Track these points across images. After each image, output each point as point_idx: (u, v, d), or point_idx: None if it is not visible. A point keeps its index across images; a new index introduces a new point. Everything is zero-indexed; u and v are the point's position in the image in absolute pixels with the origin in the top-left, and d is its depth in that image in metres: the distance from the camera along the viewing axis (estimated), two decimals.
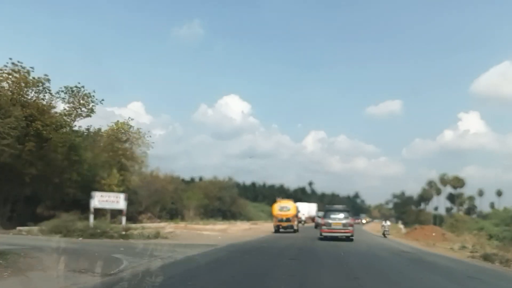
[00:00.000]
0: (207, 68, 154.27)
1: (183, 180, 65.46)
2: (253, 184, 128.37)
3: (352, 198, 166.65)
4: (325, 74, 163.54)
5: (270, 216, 79.46)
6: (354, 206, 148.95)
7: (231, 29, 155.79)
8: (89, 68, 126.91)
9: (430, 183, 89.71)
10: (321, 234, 23.69)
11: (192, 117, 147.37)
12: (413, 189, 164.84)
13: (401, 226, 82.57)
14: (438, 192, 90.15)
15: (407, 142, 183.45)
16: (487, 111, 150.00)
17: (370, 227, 58.66)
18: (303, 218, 60.43)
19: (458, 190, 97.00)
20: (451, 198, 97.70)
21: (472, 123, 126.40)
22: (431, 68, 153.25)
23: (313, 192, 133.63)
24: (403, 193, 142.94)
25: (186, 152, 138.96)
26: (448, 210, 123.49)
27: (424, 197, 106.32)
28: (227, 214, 60.63)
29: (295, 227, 29.83)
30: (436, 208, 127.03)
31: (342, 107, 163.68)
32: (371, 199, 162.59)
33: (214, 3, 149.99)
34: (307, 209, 58.41)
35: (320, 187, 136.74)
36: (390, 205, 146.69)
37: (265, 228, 34.42)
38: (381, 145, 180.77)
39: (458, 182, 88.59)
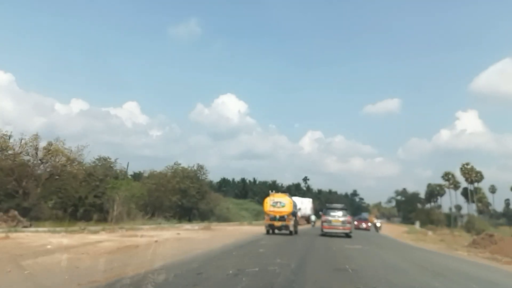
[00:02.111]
0: (204, 67, 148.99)
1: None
2: (243, 180, 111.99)
3: (351, 196, 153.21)
4: (323, 73, 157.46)
5: (256, 215, 62.63)
6: (353, 205, 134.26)
7: (228, 28, 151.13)
8: (83, 67, 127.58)
9: (447, 175, 72.77)
10: (322, 230, 25.10)
11: (188, 117, 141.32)
12: (410, 189, 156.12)
13: (417, 226, 66.12)
14: (456, 186, 73.29)
15: (404, 142, 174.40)
16: (485, 110, 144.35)
17: (399, 235, 36.27)
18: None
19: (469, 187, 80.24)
20: (466, 193, 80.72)
21: (469, 122, 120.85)
22: (430, 66, 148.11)
23: (309, 188, 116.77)
24: (405, 190, 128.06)
25: (183, 153, 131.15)
26: (458, 208, 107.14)
27: (435, 193, 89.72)
28: (195, 213, 43.82)
29: (291, 228, 23.65)
30: (439, 207, 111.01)
31: (340, 107, 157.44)
32: (367, 198, 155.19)
33: (211, 2, 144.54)
34: (299, 206, 42.02)
35: (317, 187, 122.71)
36: (393, 203, 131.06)
37: (217, 238, 17.55)
38: (378, 145, 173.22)
39: (476, 175, 71.82)
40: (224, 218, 47.84)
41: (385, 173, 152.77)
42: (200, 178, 46.33)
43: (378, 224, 40.45)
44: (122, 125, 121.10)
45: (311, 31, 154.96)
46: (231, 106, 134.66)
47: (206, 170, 46.64)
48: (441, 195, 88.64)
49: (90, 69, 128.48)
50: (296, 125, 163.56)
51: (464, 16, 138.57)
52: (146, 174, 40.59)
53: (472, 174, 67.08)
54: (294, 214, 24.39)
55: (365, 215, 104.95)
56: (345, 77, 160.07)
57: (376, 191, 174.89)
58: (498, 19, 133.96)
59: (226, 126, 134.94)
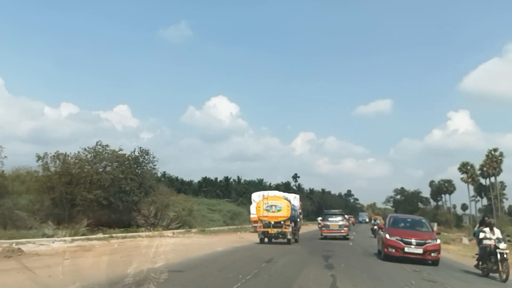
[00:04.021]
0: (195, 69, 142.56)
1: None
2: (226, 179, 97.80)
3: (345, 197, 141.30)
4: (315, 75, 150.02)
5: (231, 218, 48.16)
6: (348, 205, 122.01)
7: (219, 30, 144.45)
8: (73, 71, 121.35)
9: (465, 167, 58.53)
10: (321, 234, 25.96)
11: (180, 119, 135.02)
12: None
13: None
14: (475, 179, 59.49)
15: (396, 142, 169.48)
16: (476, 110, 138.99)
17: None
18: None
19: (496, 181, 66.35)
20: (479, 189, 67.03)
21: (461, 122, 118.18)
22: (421, 66, 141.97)
23: (300, 187, 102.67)
24: (403, 189, 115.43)
25: (175, 155, 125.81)
26: (464, 207, 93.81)
27: (443, 190, 76.28)
28: (134, 216, 29.55)
29: (289, 236, 19.65)
30: (438, 206, 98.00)
31: (332, 108, 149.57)
32: (360, 199, 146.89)
33: (201, 4, 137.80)
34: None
35: (308, 187, 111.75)
36: (391, 203, 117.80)
37: None
38: (370, 145, 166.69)
39: (495, 168, 58.08)
40: (182, 223, 33.55)
41: (377, 174, 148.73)
42: (145, 167, 32.14)
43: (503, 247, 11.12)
44: (112, 128, 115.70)
45: (303, 33, 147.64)
46: (222, 109, 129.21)
47: (153, 157, 32.33)
48: (450, 192, 75.11)
49: (80, 72, 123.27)
50: (288, 126, 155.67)
51: (454, 16, 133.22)
52: (47, 160, 26.00)
53: (500, 164, 53.15)
54: (293, 219, 20.60)
55: (363, 215, 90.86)
56: (337, 78, 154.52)
57: (369, 191, 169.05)
58: (487, 18, 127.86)
59: (217, 128, 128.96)
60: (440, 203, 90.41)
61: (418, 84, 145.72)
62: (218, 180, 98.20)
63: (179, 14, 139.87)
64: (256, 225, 32.33)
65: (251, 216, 32.11)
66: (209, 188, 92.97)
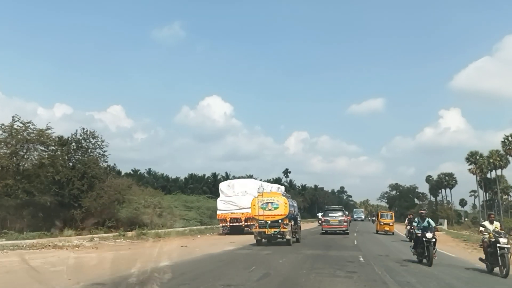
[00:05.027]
0: (189, 69, 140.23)
1: None
2: (214, 175, 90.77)
3: (338, 194, 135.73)
4: (309, 74, 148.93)
5: (211, 217, 40.59)
6: (341, 202, 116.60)
7: (213, 30, 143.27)
8: (67, 72, 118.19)
9: (473, 157, 51.75)
10: (322, 229, 26.89)
11: (174, 119, 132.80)
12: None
13: (444, 227, 45.85)
14: (483, 171, 52.82)
15: (388, 141, 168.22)
16: (467, 108, 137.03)
17: None
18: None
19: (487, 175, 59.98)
20: (484, 182, 60.49)
21: (453, 120, 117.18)
22: (413, 65, 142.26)
23: (291, 184, 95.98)
24: (397, 184, 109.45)
25: (169, 155, 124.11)
26: (463, 203, 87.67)
27: (444, 184, 69.94)
28: (74, 214, 22.45)
29: (288, 236, 17.34)
30: (430, 203, 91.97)
31: (325, 107, 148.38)
32: (353, 196, 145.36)
33: (194, 4, 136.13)
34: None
35: (300, 183, 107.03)
36: (385, 199, 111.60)
37: None
38: (363, 144, 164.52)
39: (501, 159, 51.77)
40: (143, 221, 26.39)
41: (369, 171, 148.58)
42: (91, 154, 25.04)
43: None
44: (106, 128, 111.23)
45: (296, 33, 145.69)
46: (216, 108, 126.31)
47: (102, 141, 25.26)
48: (451, 186, 68.79)
49: (74, 73, 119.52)
50: (282, 126, 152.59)
51: (445, 15, 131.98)
52: None
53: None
54: (292, 217, 18.41)
55: (359, 211, 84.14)
56: (331, 78, 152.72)
57: (361, 188, 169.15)
58: (478, 17, 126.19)
59: (211, 128, 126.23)
60: (438, 198, 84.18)
61: (410, 83, 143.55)
62: (206, 176, 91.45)
63: (173, 15, 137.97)
64: (224, 225, 26.18)
65: (218, 213, 25.38)
66: (196, 185, 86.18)
